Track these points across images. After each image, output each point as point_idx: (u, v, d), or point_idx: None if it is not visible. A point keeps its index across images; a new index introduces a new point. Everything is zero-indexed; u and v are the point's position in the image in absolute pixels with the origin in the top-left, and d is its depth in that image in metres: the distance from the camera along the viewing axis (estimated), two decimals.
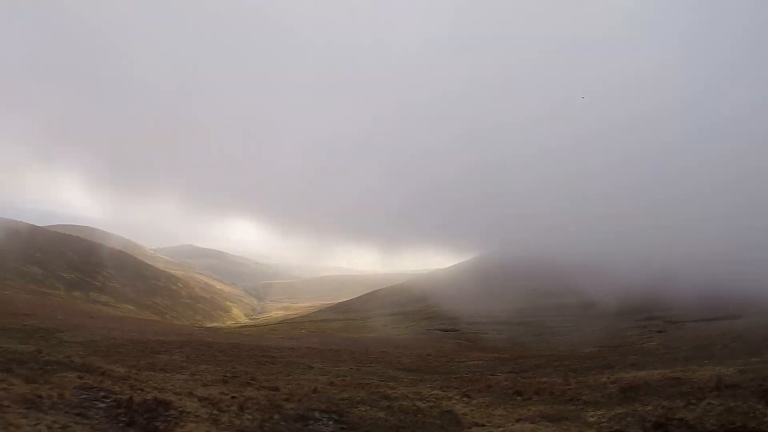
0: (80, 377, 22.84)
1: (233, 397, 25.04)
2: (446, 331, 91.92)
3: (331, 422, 23.28)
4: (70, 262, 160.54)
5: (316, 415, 23.97)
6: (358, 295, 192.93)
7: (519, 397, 29.60)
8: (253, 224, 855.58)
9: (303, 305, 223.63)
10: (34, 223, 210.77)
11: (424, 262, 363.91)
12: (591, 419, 23.17)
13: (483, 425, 23.72)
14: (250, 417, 21.62)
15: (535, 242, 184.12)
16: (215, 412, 21.44)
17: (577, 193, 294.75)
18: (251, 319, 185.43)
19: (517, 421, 23.96)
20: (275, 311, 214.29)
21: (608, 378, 32.99)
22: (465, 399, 29.72)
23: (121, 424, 17.81)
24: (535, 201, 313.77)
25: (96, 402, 19.64)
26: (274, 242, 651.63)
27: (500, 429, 22.69)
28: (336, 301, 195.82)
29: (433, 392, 31.97)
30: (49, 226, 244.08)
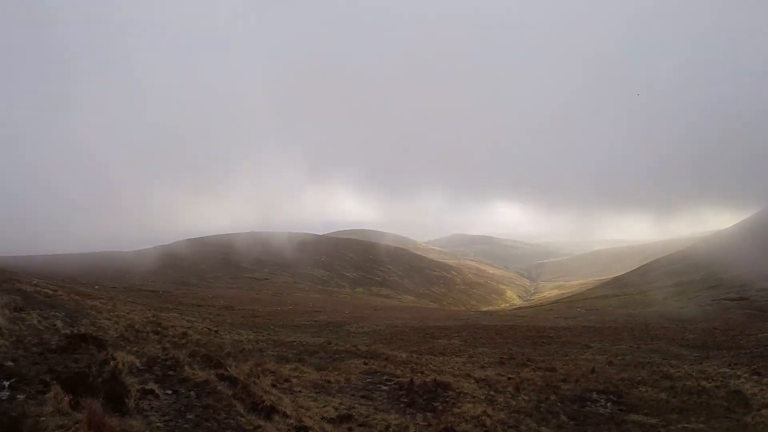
0: (365, 363, 24.44)
1: (509, 378, 25.38)
2: (734, 300, 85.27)
3: (609, 403, 22.77)
4: (351, 262, 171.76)
5: (594, 396, 23.57)
6: (634, 268, 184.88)
7: None
8: (518, 205, 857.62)
9: (577, 282, 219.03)
10: (317, 233, 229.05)
11: (704, 225, 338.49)
12: None
13: None
14: (526, 398, 21.80)
15: None
16: (491, 393, 21.88)
17: None
18: (525, 301, 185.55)
19: None
20: (549, 291, 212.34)
21: None
22: (755, 377, 27.51)
23: (402, 405, 18.87)
24: None
25: (379, 385, 20.95)
26: (541, 221, 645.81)
27: None
28: (611, 276, 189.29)
29: (719, 370, 29.97)
30: (330, 233, 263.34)
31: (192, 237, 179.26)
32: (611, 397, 23.67)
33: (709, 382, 26.70)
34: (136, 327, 25.79)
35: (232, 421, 11.79)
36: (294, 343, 31.58)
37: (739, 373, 28.88)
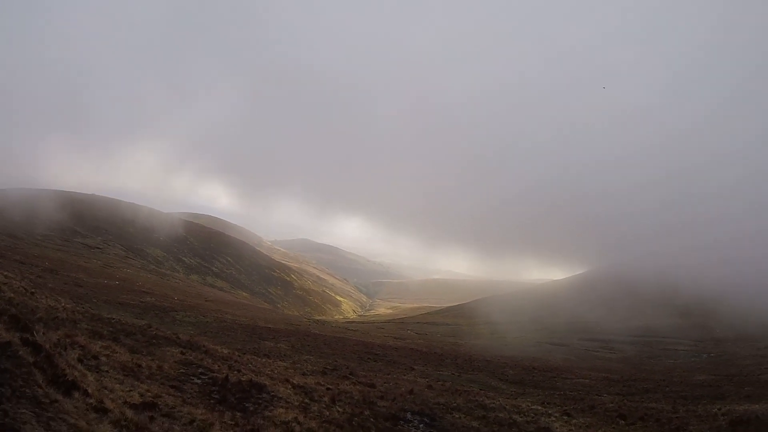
0: (182, 353, 23.38)
1: (328, 389, 25.12)
2: (556, 345, 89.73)
3: (421, 425, 22.95)
4: (190, 247, 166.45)
5: (408, 416, 23.69)
6: (467, 301, 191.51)
7: (622, 421, 28.39)
8: (368, 223, 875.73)
9: (411, 306, 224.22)
10: (163, 210, 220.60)
11: (536, 273, 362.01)
12: None
13: None
14: (340, 410, 21.58)
15: (655, 261, 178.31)
16: (307, 401, 21.49)
17: (702, 216, 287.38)
18: (359, 315, 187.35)
19: None
20: (384, 309, 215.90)
21: (719, 409, 31.18)
22: (565, 417, 28.74)
23: (212, 401, 18.05)
24: (658, 222, 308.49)
25: (193, 377, 20.02)
26: (387, 242, 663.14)
27: None
28: (444, 305, 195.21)
29: (532, 407, 31.14)
30: (176, 213, 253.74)
31: (32, 188, 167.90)
32: (425, 419, 23.89)
33: (521, 417, 27.63)
34: None
35: (28, 390, 10.79)
36: (113, 321, 29.90)
37: (550, 411, 30.09)
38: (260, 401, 19.40)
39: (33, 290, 32.69)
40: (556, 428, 25.96)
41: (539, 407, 31.30)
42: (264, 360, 32.45)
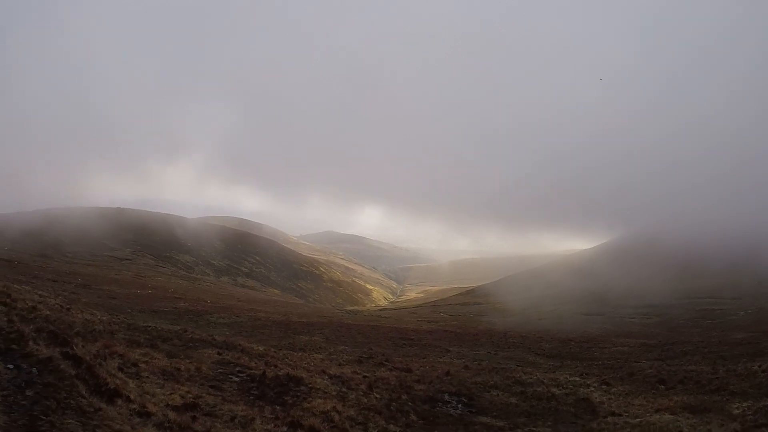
0: (219, 353, 23.70)
1: (364, 377, 25.32)
2: (591, 315, 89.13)
3: (460, 405, 23.10)
4: (218, 249, 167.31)
5: (446, 397, 23.85)
6: (497, 278, 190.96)
7: (662, 386, 28.33)
8: (391, 211, 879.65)
9: (442, 288, 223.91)
10: (189, 216, 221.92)
11: (560, 245, 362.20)
12: (736, 411, 21.78)
13: (619, 415, 22.82)
14: (378, 396, 21.78)
15: (685, 223, 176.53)
16: (344, 389, 21.72)
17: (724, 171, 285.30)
18: (390, 302, 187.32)
19: (657, 411, 22.89)
20: (414, 294, 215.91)
21: (759, 366, 30.86)
22: (604, 387, 28.75)
23: (251, 397, 18.35)
24: (680, 182, 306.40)
25: (231, 376, 20.33)
26: (411, 227, 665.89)
27: (637, 420, 21.74)
28: (475, 284, 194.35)
29: (571, 379, 31.16)
30: (202, 217, 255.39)
31: (57, 207, 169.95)
32: (463, 399, 24.05)
33: (560, 389, 27.66)
34: None
35: (72, 401, 11.12)
36: (149, 328, 30.33)
37: (589, 382, 30.09)
38: (298, 394, 19.66)
39: (68, 306, 33.17)
40: (596, 398, 25.98)
41: (578, 378, 31.33)
42: (300, 354, 32.72)
